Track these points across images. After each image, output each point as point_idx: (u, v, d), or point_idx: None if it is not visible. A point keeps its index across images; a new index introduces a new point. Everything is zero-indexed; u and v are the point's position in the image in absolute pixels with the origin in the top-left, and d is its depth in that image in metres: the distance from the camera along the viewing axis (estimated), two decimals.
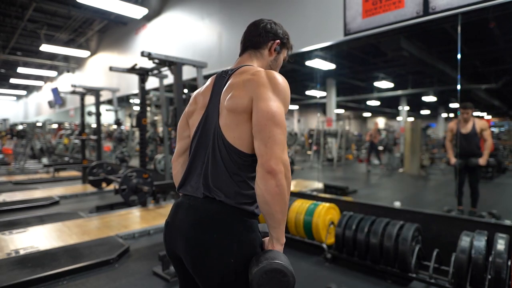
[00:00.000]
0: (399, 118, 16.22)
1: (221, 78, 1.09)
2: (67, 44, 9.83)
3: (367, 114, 23.23)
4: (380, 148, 9.40)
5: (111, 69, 4.87)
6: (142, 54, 3.46)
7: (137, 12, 5.93)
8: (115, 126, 9.45)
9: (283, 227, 0.96)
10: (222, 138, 0.99)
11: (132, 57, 7.30)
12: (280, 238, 0.97)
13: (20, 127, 12.57)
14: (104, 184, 6.14)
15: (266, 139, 0.91)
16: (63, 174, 8.63)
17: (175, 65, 3.65)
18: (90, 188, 6.31)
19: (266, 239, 1.01)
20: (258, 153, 0.93)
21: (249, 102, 0.96)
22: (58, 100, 9.61)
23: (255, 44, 1.14)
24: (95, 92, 6.76)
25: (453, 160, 3.92)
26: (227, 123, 0.99)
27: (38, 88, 16.20)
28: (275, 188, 0.89)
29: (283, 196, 0.91)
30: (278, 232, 0.96)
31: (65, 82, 11.78)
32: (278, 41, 1.15)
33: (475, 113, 3.91)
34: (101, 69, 9.11)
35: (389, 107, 17.91)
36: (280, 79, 1.00)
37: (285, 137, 0.94)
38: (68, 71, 11.78)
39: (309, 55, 3.81)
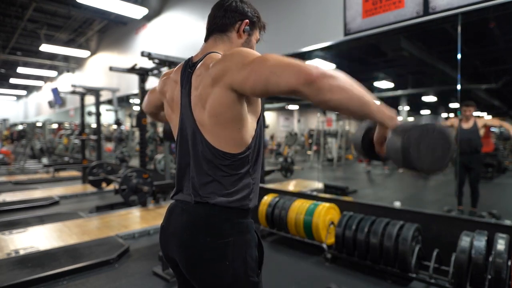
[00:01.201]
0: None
1: (186, 73, 0.99)
2: (67, 44, 9.83)
3: None
4: None
5: (111, 69, 4.88)
6: (142, 54, 3.46)
7: (137, 12, 5.93)
8: (115, 126, 9.45)
9: (381, 105, 0.80)
10: (206, 142, 0.91)
11: (132, 57, 7.30)
12: (389, 116, 0.80)
13: (20, 127, 12.57)
14: (104, 184, 6.14)
15: (280, 71, 0.75)
16: (63, 174, 8.63)
17: (175, 65, 3.65)
18: (90, 188, 6.31)
19: (377, 129, 0.85)
20: (288, 87, 0.75)
21: (222, 94, 0.85)
22: (58, 100, 9.59)
23: (220, 26, 1.00)
24: (95, 92, 6.77)
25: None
26: (206, 126, 0.91)
27: (38, 88, 16.21)
28: (333, 84, 0.72)
29: (346, 84, 0.74)
30: (382, 112, 0.79)
31: (65, 82, 11.78)
32: (247, 20, 1.02)
33: (475, 113, 3.90)
34: (101, 69, 9.11)
35: (389, 107, 17.86)
36: (239, 49, 0.88)
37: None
38: (68, 71, 11.78)
39: (309, 55, 3.80)
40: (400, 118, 0.81)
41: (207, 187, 0.94)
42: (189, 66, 0.99)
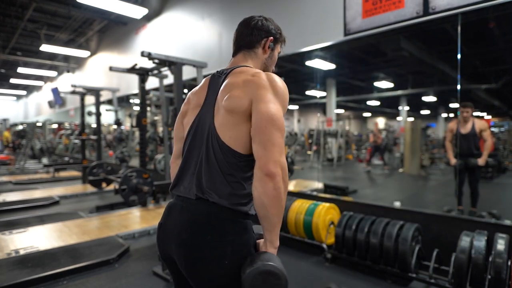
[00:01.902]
0: (399, 118, 16.22)
1: (217, 78, 1.07)
2: (67, 44, 9.84)
3: (367, 114, 23.23)
4: (381, 146, 9.40)
5: (111, 69, 4.88)
6: (142, 54, 3.46)
7: (137, 12, 5.93)
8: (115, 126, 9.46)
9: (277, 231, 0.96)
10: (217, 138, 0.97)
11: (132, 57, 7.30)
12: (274, 241, 0.97)
13: (20, 127, 12.58)
14: (104, 184, 6.14)
15: (265, 142, 0.91)
16: (63, 174, 8.63)
17: (175, 65, 3.65)
18: (90, 188, 6.31)
19: (261, 241, 1.00)
20: (256, 155, 0.92)
21: (249, 103, 0.95)
22: (58, 100, 9.62)
23: (248, 44, 1.11)
24: (95, 92, 6.77)
25: (453, 160, 3.92)
26: (223, 123, 0.97)
27: (38, 88, 16.21)
28: (272, 191, 0.89)
29: (280, 199, 0.91)
30: (273, 235, 0.96)
31: (65, 82, 11.78)
32: (271, 38, 1.12)
33: (475, 113, 3.90)
34: (101, 69, 9.12)
35: (389, 107, 17.90)
36: (280, 82, 1.00)
37: (283, 140, 0.94)
38: (68, 71, 11.79)
39: (309, 55, 3.81)
40: (275, 249, 0.98)
41: (212, 183, 0.97)
42: (219, 73, 1.08)
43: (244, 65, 1.08)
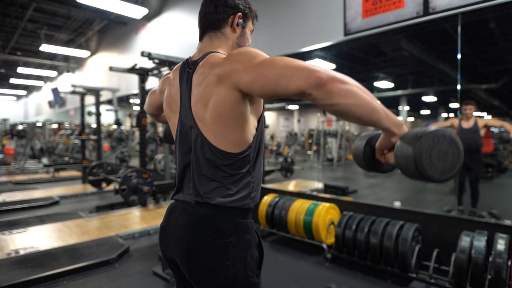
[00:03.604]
0: (399, 118, 16.20)
1: (185, 72, 0.98)
2: (67, 44, 9.84)
3: None
4: None
5: (111, 69, 4.88)
6: (142, 54, 3.46)
7: (137, 12, 5.93)
8: (115, 126, 9.45)
9: (389, 112, 0.78)
10: (206, 142, 0.91)
11: (132, 57, 7.30)
12: (397, 123, 0.79)
13: (20, 127, 12.58)
14: (104, 184, 6.14)
15: (289, 74, 0.74)
16: (63, 174, 8.63)
17: (175, 65, 3.64)
18: (90, 188, 6.31)
19: (382, 137, 0.83)
20: (297, 90, 0.74)
21: (227, 93, 0.85)
22: (58, 100, 9.61)
23: (213, 23, 0.98)
24: (95, 92, 6.77)
25: None
26: (207, 125, 0.90)
27: (38, 88, 16.21)
28: (342, 88, 0.71)
29: (355, 86, 0.74)
30: (389, 119, 0.78)
31: (65, 82, 11.79)
32: (239, 13, 0.99)
33: (475, 113, 3.89)
34: (101, 69, 9.11)
35: (389, 107, 17.65)
36: (246, 49, 0.88)
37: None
38: (68, 71, 11.79)
39: (309, 55, 3.80)
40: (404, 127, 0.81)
41: (208, 187, 0.94)
42: (188, 65, 0.98)
43: (211, 51, 0.95)
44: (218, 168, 0.92)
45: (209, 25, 0.99)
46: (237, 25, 0.99)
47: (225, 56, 0.89)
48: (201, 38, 1.02)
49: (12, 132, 10.62)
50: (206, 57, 0.94)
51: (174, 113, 1.02)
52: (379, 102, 0.77)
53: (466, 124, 3.76)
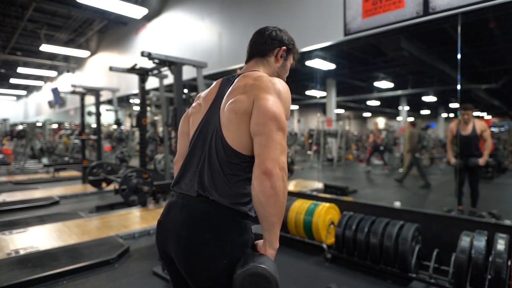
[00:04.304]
0: (399, 118, 16.21)
1: (227, 81, 1.10)
2: (67, 44, 9.84)
3: (367, 114, 23.22)
4: (381, 148, 9.40)
5: (111, 69, 4.87)
6: (142, 54, 3.46)
7: (137, 12, 5.93)
8: (115, 126, 9.45)
9: (277, 231, 0.95)
10: (221, 138, 0.98)
11: (132, 57, 7.30)
12: (273, 242, 0.96)
13: (20, 127, 12.58)
14: (104, 184, 6.14)
15: (266, 139, 0.91)
16: (63, 174, 8.63)
17: (175, 65, 3.65)
18: (90, 188, 6.31)
19: (260, 241, 1.00)
20: (256, 153, 0.93)
21: (250, 104, 0.96)
22: (58, 100, 9.60)
23: (261, 52, 1.14)
24: (95, 92, 6.76)
25: (453, 160, 3.93)
26: (228, 125, 0.98)
27: (38, 88, 16.21)
28: (270, 189, 0.88)
29: (278, 199, 0.90)
30: (272, 235, 0.95)
31: (65, 82, 11.78)
32: (284, 47, 1.16)
33: (475, 113, 3.90)
34: (101, 69, 9.12)
35: (389, 107, 17.89)
36: (282, 85, 1.01)
37: (285, 140, 0.94)
38: (68, 71, 11.79)
39: (309, 55, 3.81)
40: (275, 251, 0.97)
41: (213, 181, 0.98)
42: (232, 76, 1.11)
43: (254, 70, 1.10)
44: (225, 164, 0.97)
45: (256, 52, 1.16)
46: (281, 56, 1.16)
47: (259, 77, 1.02)
48: (247, 61, 1.19)
49: (12, 133, 10.63)
50: (248, 72, 1.08)
51: (202, 110, 1.12)
52: (279, 225, 0.95)
53: (464, 132, 3.79)
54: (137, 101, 6.59)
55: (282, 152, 0.92)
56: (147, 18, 6.58)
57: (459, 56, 2.98)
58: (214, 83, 1.17)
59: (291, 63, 1.22)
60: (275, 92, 0.98)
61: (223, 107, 1.02)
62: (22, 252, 3.04)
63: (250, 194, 0.98)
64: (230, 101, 1.00)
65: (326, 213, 3.14)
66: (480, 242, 2.22)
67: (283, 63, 1.18)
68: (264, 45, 1.14)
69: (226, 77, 1.13)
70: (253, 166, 0.92)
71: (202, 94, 1.18)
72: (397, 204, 4.14)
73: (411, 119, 8.02)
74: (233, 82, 1.07)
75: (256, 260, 0.90)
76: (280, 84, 1.01)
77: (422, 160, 7.38)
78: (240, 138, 0.97)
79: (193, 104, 1.19)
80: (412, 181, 7.58)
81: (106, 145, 10.10)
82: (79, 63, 10.88)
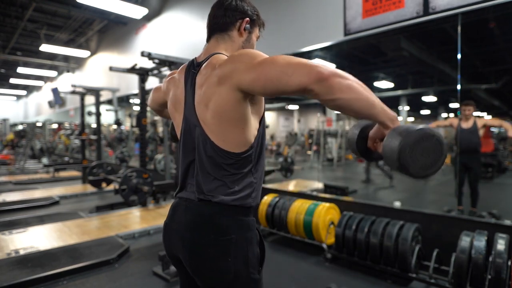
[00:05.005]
0: (399, 118, 16.20)
1: (190, 73, 1.00)
2: (67, 44, 9.83)
3: None
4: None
5: (111, 69, 4.88)
6: (142, 54, 3.46)
7: (137, 12, 5.93)
8: (115, 126, 9.45)
9: (383, 105, 0.81)
10: (209, 141, 0.93)
11: (132, 57, 7.30)
12: (390, 115, 0.82)
13: (20, 127, 12.58)
14: (104, 184, 6.14)
15: (280, 66, 0.77)
16: (63, 174, 8.63)
17: (175, 65, 3.65)
18: (90, 188, 6.31)
19: (375, 128, 0.88)
20: (299, 86, 0.76)
21: (228, 93, 0.86)
22: (58, 100, 9.60)
23: (221, 26, 1.02)
24: (95, 92, 6.77)
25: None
26: (209, 125, 0.92)
27: (38, 88, 16.20)
28: (343, 83, 0.73)
29: (357, 84, 0.76)
30: (385, 112, 0.81)
31: (65, 82, 11.78)
32: (247, 19, 1.03)
33: (475, 113, 3.90)
34: (101, 69, 9.11)
35: (389, 107, 17.85)
36: (247, 50, 0.90)
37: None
38: (68, 71, 11.78)
39: (309, 55, 3.80)
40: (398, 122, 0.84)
41: (211, 185, 0.96)
42: (193, 66, 1.01)
43: (216, 52, 0.99)
44: (220, 167, 0.94)
45: (217, 27, 1.02)
46: (244, 29, 1.03)
47: (227, 57, 0.91)
48: (208, 39, 1.05)
49: (13, 143, 10.66)
50: (210, 58, 0.96)
51: (179, 112, 1.04)
52: (376, 97, 0.80)
53: (465, 125, 3.78)
54: (137, 101, 6.59)
55: (301, 59, 0.77)
56: (147, 18, 6.58)
57: (459, 56, 2.98)
58: (179, 69, 1.08)
59: (257, 35, 1.10)
60: (248, 59, 0.85)
61: (197, 106, 0.95)
62: (22, 252, 3.04)
63: (249, 186, 0.97)
64: (201, 99, 0.93)
65: (326, 213, 3.14)
66: (480, 242, 2.22)
67: (248, 36, 1.05)
68: (224, 17, 1.01)
69: (188, 66, 1.03)
70: (311, 93, 0.75)
71: (170, 80, 1.12)
72: (397, 204, 4.14)
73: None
74: (196, 73, 0.97)
75: (405, 128, 0.78)
76: (244, 51, 0.88)
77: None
78: (228, 137, 0.91)
79: (163, 86, 1.17)
80: (412, 181, 7.58)
81: (109, 150, 10.13)
82: (79, 63, 10.88)
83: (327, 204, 3.21)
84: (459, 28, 2.72)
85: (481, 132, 3.73)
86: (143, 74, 4.66)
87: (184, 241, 0.97)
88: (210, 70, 0.92)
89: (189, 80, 1.00)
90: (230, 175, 0.95)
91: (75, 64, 11.12)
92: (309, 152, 11.65)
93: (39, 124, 12.72)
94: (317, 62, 0.77)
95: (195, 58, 1.04)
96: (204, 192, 0.96)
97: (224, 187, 0.95)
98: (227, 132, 0.91)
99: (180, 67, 1.10)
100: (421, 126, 0.78)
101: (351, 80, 0.76)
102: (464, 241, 2.27)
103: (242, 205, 0.96)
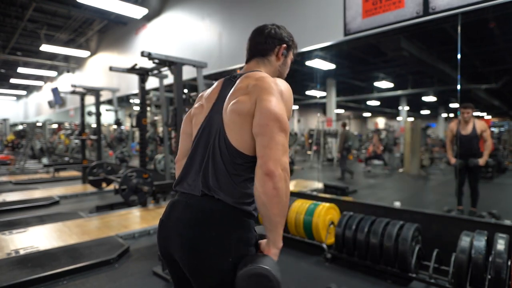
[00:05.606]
0: (399, 118, 16.22)
1: (229, 82, 1.10)
2: (67, 44, 9.83)
3: (367, 114, 23.23)
4: (380, 157, 9.25)
5: (111, 69, 4.87)
6: (142, 54, 3.45)
7: (137, 12, 5.93)
8: (115, 126, 9.45)
9: (280, 231, 0.96)
10: (225, 139, 0.99)
11: (132, 57, 7.30)
12: (276, 242, 0.96)
13: (20, 127, 12.59)
14: (104, 184, 6.15)
15: (268, 140, 0.91)
16: (63, 174, 8.63)
17: (175, 65, 3.64)
18: (90, 188, 6.31)
19: (264, 241, 1.00)
20: (258, 154, 0.93)
21: (253, 105, 0.96)
22: (58, 100, 9.62)
23: (262, 52, 1.14)
24: (95, 92, 6.77)
25: (453, 160, 3.93)
26: (231, 125, 0.99)
27: (38, 88, 16.20)
28: (272, 190, 0.89)
29: (281, 199, 0.90)
30: (275, 235, 0.95)
31: (65, 82, 11.78)
32: (285, 45, 1.16)
33: (475, 113, 3.90)
34: (101, 69, 9.11)
35: (389, 107, 17.90)
36: (284, 85, 1.02)
37: (287, 140, 0.95)
38: (68, 71, 11.78)
39: (309, 55, 3.80)
40: (278, 250, 0.98)
41: (217, 181, 0.98)
42: (233, 77, 1.11)
43: (256, 70, 1.10)
44: (229, 165, 0.98)
45: (257, 52, 1.15)
46: (282, 54, 1.16)
47: (261, 78, 1.01)
48: (248, 61, 1.18)
49: (13, 144, 10.68)
50: (250, 72, 1.07)
51: (205, 110, 1.11)
52: (283, 223, 0.95)
53: (464, 131, 3.79)
54: (137, 101, 6.59)
55: (284, 153, 0.92)
56: (147, 18, 6.58)
57: (459, 56, 2.98)
58: (216, 83, 1.16)
59: (291, 58, 1.23)
60: (277, 93, 0.98)
61: (225, 108, 1.02)
62: (22, 252, 3.04)
63: (251, 195, 0.99)
64: (232, 102, 1.00)
65: (326, 213, 3.14)
66: (480, 242, 2.22)
67: (284, 60, 1.18)
68: (265, 44, 1.13)
69: (228, 77, 1.12)
70: (255, 167, 0.93)
71: (204, 94, 1.18)
72: (397, 204, 4.14)
73: (345, 121, 8.09)
74: (235, 82, 1.07)
75: (258, 260, 0.90)
76: (282, 85, 1.01)
77: (347, 158, 7.98)
78: (243, 139, 0.97)
79: (195, 105, 1.19)
80: (412, 181, 7.59)
81: (110, 151, 10.14)
82: (79, 63, 10.88)
83: (327, 204, 3.21)
84: (459, 28, 2.72)
85: (481, 135, 3.74)
86: (143, 74, 4.66)
87: (183, 238, 0.96)
88: (246, 81, 1.02)
89: (226, 85, 1.10)
90: (236, 175, 0.98)
91: (75, 64, 11.12)
92: (309, 152, 11.65)
93: (39, 124, 12.72)
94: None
95: (237, 70, 1.12)
96: (210, 186, 0.98)
97: (229, 185, 0.97)
98: (242, 132, 0.97)
99: (218, 80, 1.19)
100: (265, 266, 0.88)
101: (282, 196, 0.90)
102: (464, 241, 2.27)
103: (243, 209, 0.98)
